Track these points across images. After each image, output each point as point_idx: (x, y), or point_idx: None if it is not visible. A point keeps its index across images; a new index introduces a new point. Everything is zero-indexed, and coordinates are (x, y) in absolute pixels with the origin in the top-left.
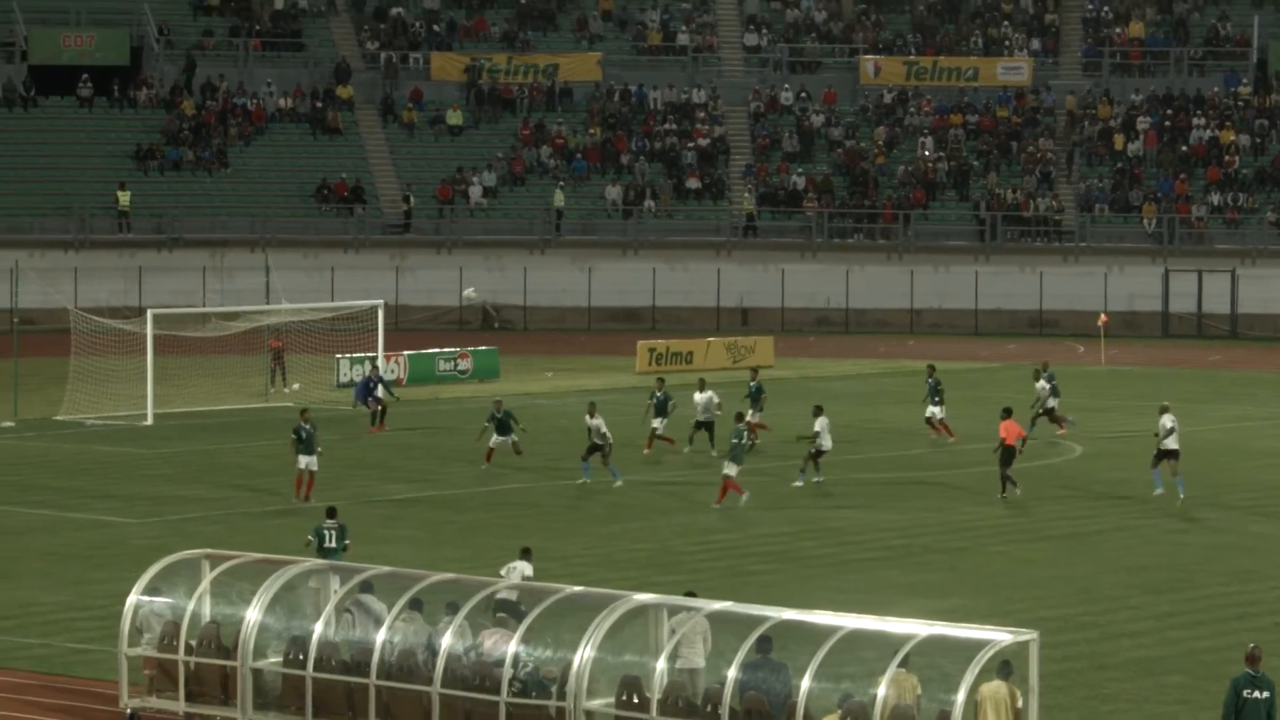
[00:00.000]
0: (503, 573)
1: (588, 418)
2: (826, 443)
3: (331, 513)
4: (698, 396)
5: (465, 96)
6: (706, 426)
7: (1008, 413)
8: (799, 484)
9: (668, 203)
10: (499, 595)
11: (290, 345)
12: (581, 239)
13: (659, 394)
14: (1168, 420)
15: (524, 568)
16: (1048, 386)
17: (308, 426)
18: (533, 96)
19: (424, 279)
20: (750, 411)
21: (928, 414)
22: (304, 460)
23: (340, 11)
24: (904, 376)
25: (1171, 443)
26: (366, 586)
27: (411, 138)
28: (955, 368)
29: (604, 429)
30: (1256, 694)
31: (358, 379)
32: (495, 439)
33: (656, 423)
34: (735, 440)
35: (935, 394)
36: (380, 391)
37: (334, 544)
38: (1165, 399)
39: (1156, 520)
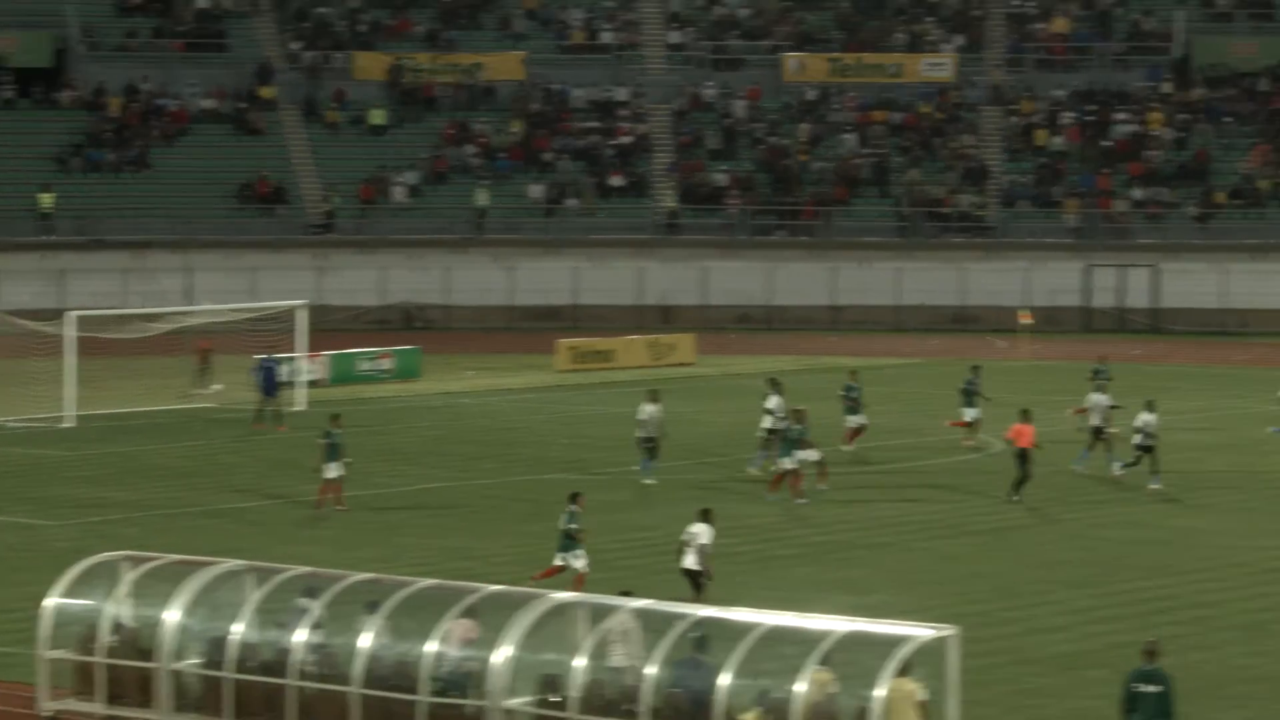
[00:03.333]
0: (684, 538)
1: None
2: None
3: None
4: (647, 408)
5: (388, 96)
6: (647, 445)
7: (1025, 415)
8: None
9: (590, 201)
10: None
11: (213, 346)
12: (504, 238)
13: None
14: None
15: (705, 532)
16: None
17: (338, 433)
18: (456, 95)
19: (346, 279)
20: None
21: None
22: (332, 469)
23: (263, 12)
24: (826, 373)
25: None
26: (309, 591)
27: (334, 137)
28: (877, 364)
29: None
30: (1149, 688)
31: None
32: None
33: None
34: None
35: (970, 396)
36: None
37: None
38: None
39: (1077, 515)
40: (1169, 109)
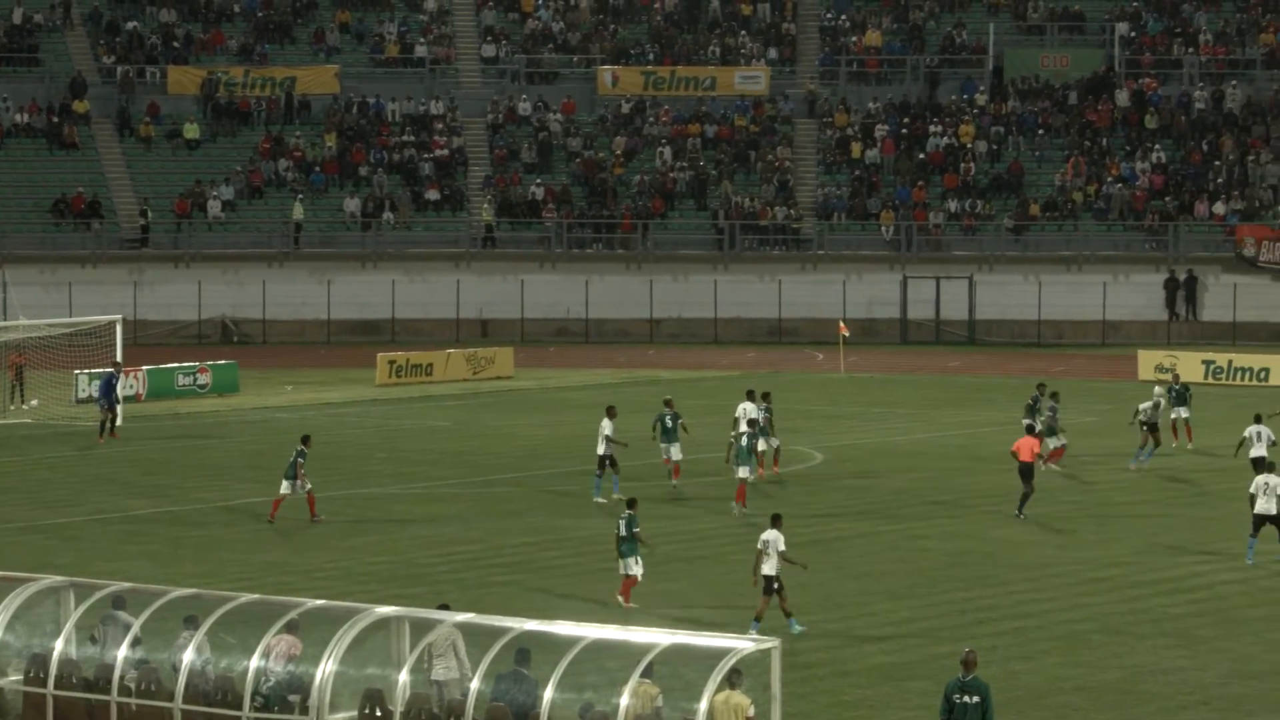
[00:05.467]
0: (760, 546)
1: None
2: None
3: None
4: (607, 424)
5: (202, 110)
6: (611, 462)
7: (1029, 430)
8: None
9: (406, 214)
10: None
11: (28, 361)
12: (320, 251)
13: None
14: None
15: (776, 538)
16: (1167, 395)
17: (305, 451)
18: (270, 109)
19: (162, 293)
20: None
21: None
22: (286, 485)
23: (76, 26)
24: (644, 386)
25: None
26: (118, 601)
27: (149, 152)
28: (694, 376)
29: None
30: (967, 698)
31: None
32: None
33: None
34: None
35: (1036, 412)
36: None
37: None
38: (904, 405)
39: (898, 526)
40: (982, 122)
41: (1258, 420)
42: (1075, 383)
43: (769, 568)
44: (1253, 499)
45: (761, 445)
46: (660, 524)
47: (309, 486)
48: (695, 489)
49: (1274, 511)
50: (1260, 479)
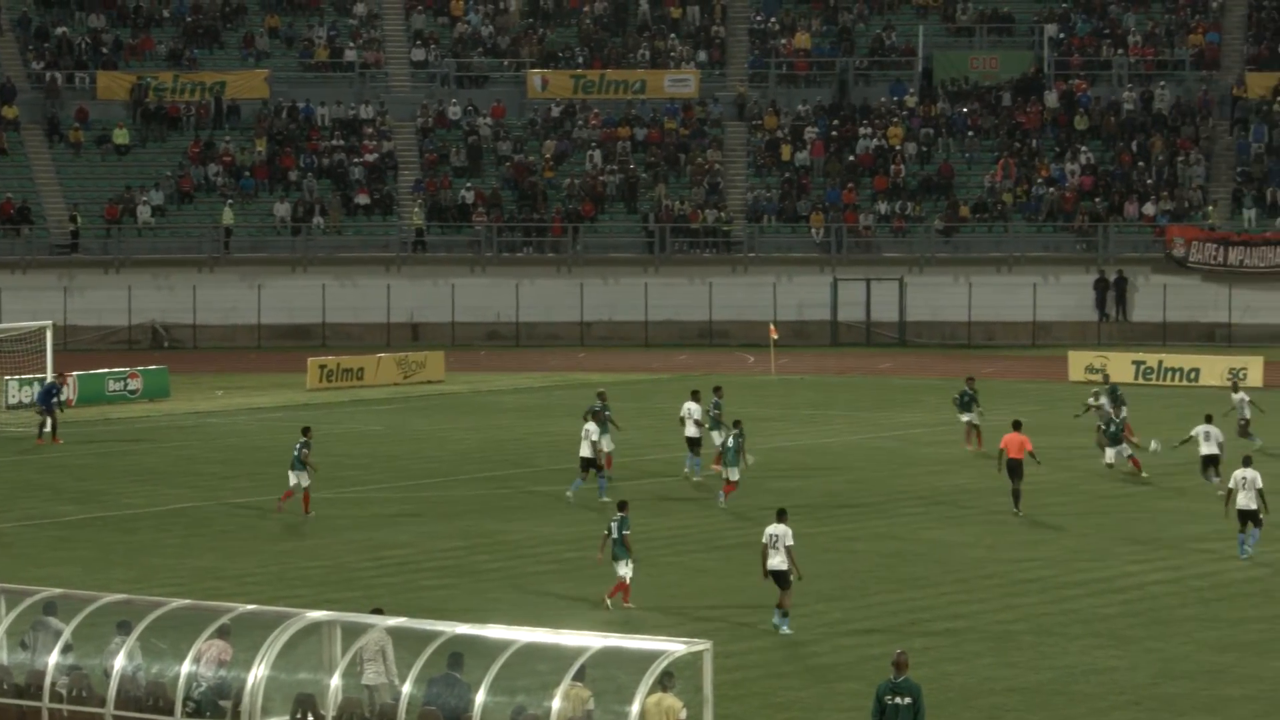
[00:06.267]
0: (765, 540)
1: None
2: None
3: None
4: (590, 427)
5: (132, 115)
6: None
7: (1016, 425)
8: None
9: (336, 219)
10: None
11: None
12: (251, 256)
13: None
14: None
15: (785, 533)
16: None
17: (307, 442)
18: (200, 114)
19: (93, 299)
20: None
21: (964, 420)
22: (293, 478)
23: (4, 31)
24: (575, 389)
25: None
26: (49, 608)
27: (78, 157)
28: (626, 380)
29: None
30: (898, 699)
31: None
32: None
33: None
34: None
35: (967, 402)
36: (58, 399)
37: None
38: (835, 407)
39: (829, 528)
40: (912, 124)
41: (1208, 420)
42: (1005, 384)
43: (777, 561)
44: (1230, 494)
45: (718, 438)
46: (591, 526)
47: (308, 482)
48: (627, 491)
49: (1253, 507)
50: (1238, 473)
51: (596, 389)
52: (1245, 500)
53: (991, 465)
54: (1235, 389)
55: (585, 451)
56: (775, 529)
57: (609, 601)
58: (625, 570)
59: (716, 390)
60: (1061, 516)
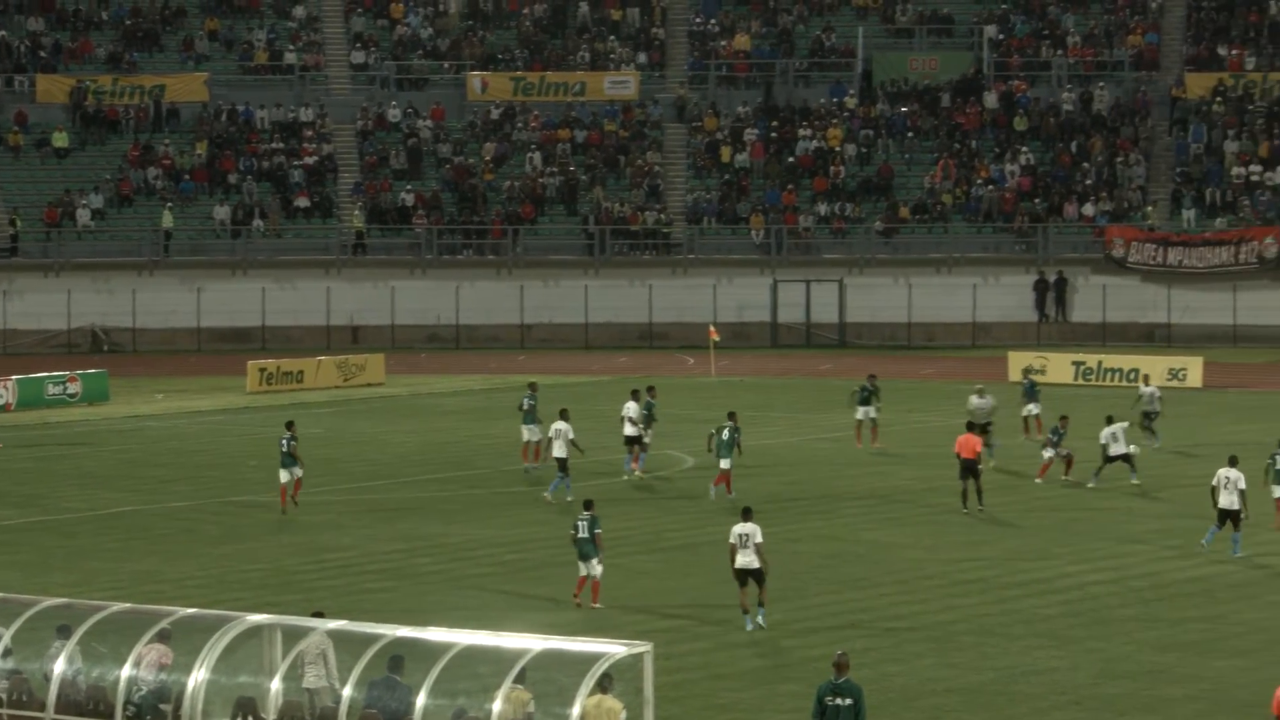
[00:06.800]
0: (733, 540)
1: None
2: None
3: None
4: (558, 425)
5: (71, 118)
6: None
7: (970, 426)
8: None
9: (276, 222)
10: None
11: None
12: (190, 259)
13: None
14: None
15: (754, 530)
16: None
17: (292, 438)
18: (139, 118)
19: (32, 302)
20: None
21: (859, 416)
22: (284, 474)
23: None
24: (516, 392)
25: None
26: None
27: (17, 161)
28: (566, 382)
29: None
30: (839, 700)
31: None
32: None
33: None
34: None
35: (866, 398)
36: None
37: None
38: (775, 409)
39: (770, 529)
40: (852, 125)
41: (1109, 421)
42: (945, 384)
43: (748, 560)
44: (1214, 491)
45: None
46: (531, 529)
47: (301, 472)
48: (572, 492)
49: (1236, 507)
50: (1221, 472)
51: (528, 381)
52: (1227, 500)
53: (891, 463)
54: (1146, 383)
55: (559, 452)
56: (744, 527)
57: (578, 599)
58: (596, 569)
59: (650, 390)
60: (1003, 517)
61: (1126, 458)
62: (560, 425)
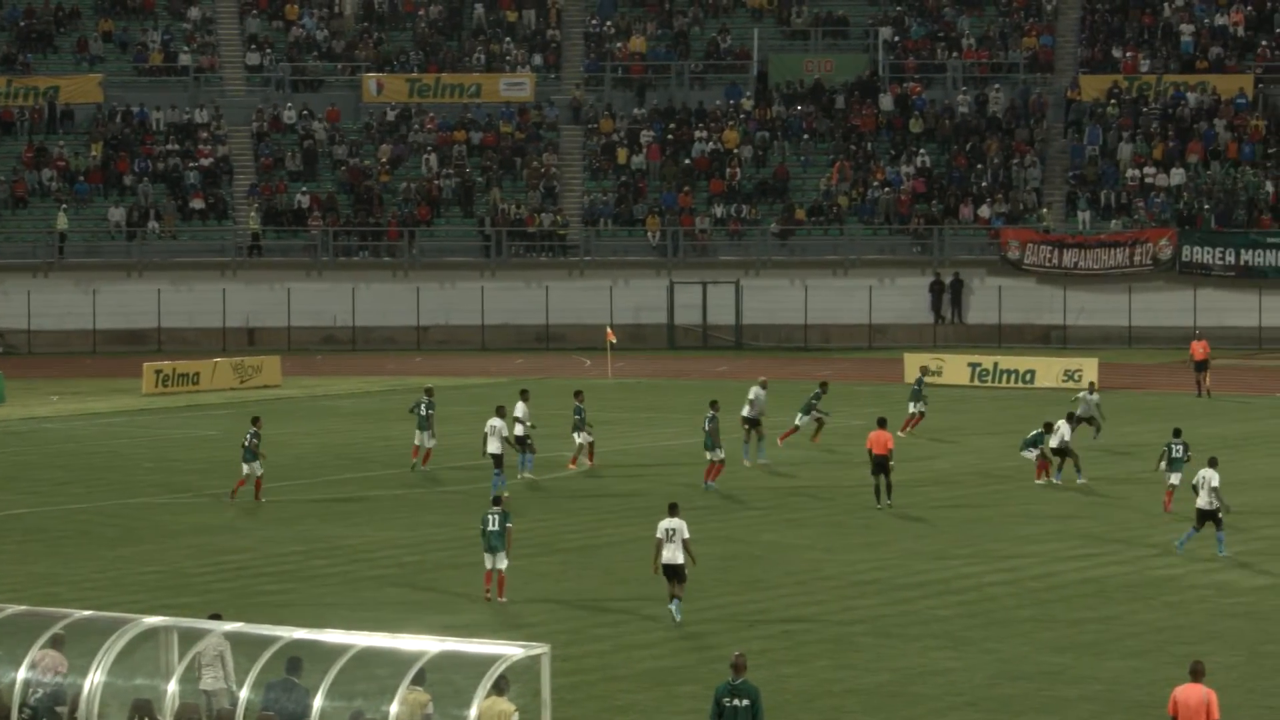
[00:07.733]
0: (660, 535)
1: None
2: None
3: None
4: (493, 421)
5: None
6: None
7: (881, 422)
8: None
9: (171, 223)
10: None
11: None
12: (85, 261)
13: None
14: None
15: (680, 526)
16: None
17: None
18: (33, 119)
19: None
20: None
21: (798, 421)
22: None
23: None
24: (412, 394)
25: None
26: None
27: None
28: (463, 384)
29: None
30: (736, 702)
31: None
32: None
33: None
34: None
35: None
36: None
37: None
38: (672, 410)
39: None
40: (748, 127)
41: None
42: (842, 386)
43: (672, 555)
44: (1195, 489)
45: (579, 439)
46: (428, 530)
47: (261, 471)
48: (460, 496)
49: (1213, 507)
50: (1201, 473)
51: (424, 386)
52: (1205, 500)
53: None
54: (1092, 390)
55: (494, 448)
56: (670, 523)
57: (488, 594)
58: (502, 562)
59: (577, 395)
60: (899, 518)
61: (1064, 451)
62: (495, 422)
